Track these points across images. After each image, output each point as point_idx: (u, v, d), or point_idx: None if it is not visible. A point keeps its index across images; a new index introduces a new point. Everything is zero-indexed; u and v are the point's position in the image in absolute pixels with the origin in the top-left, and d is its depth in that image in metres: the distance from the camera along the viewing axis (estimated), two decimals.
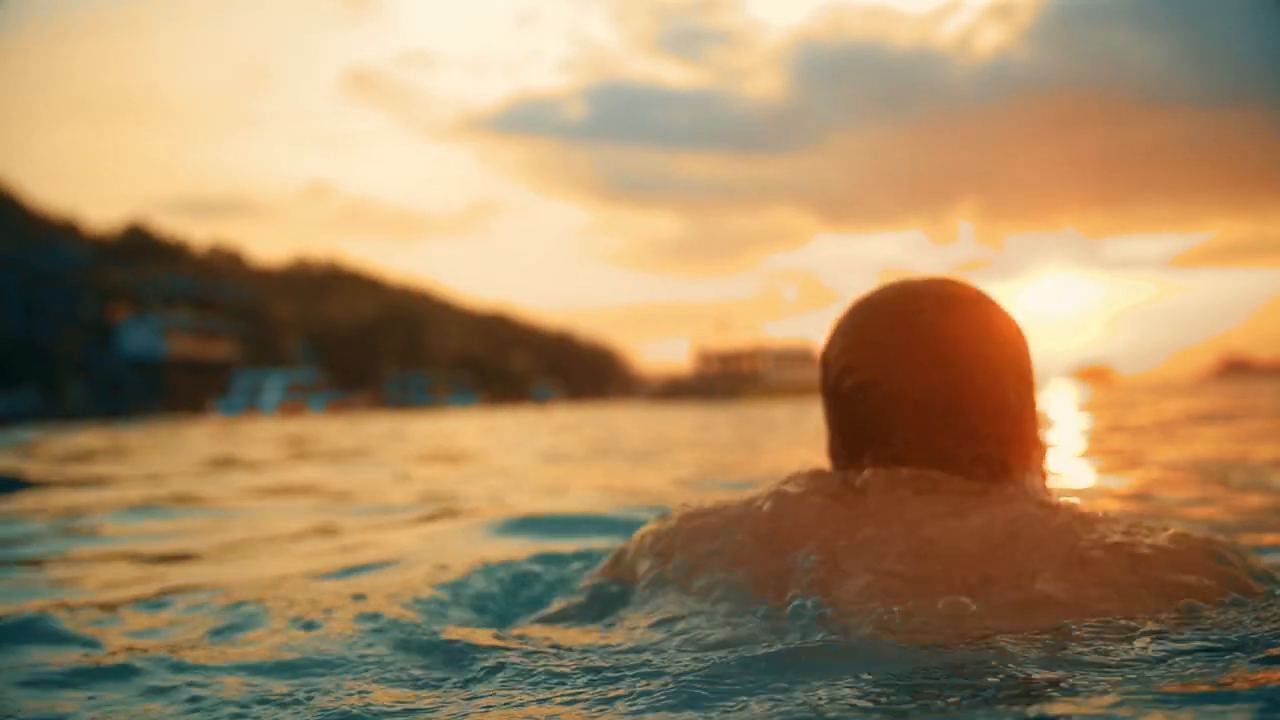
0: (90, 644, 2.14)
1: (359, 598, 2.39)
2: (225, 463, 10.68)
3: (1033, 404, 1.90)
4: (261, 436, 19.58)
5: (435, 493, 6.40)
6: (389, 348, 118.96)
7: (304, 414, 63.11)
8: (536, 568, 2.74)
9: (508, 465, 9.57)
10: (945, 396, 1.78)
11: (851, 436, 1.87)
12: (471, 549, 3.58)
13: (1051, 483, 1.95)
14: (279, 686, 1.70)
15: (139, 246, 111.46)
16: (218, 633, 2.19)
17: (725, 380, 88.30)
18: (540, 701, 1.54)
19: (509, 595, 2.53)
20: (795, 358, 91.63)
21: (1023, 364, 1.88)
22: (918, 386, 1.78)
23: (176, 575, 3.35)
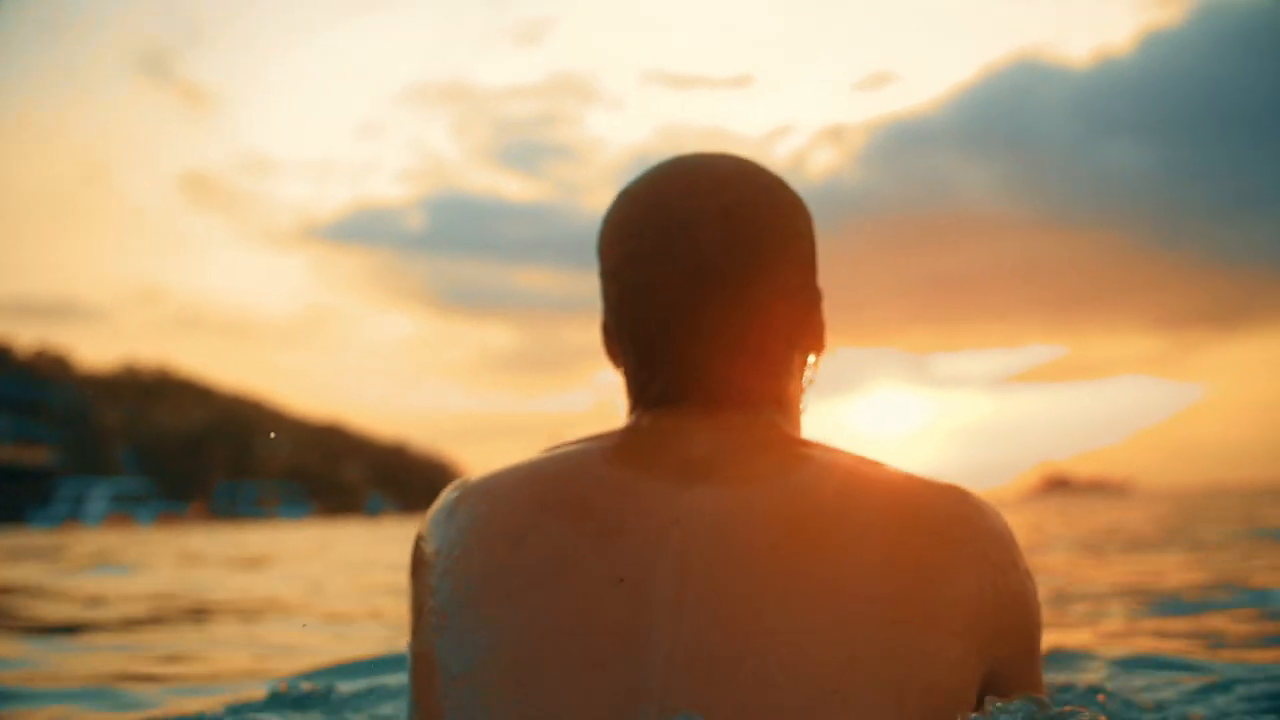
0: None
1: None
2: None
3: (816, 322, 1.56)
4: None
5: None
6: (219, 457, 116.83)
7: (131, 526, 61.62)
8: None
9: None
10: (739, 313, 1.44)
11: (642, 367, 1.49)
12: None
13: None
14: None
15: None
16: None
17: None
18: None
19: None
20: None
21: (813, 265, 1.56)
22: (708, 302, 1.43)
23: None
